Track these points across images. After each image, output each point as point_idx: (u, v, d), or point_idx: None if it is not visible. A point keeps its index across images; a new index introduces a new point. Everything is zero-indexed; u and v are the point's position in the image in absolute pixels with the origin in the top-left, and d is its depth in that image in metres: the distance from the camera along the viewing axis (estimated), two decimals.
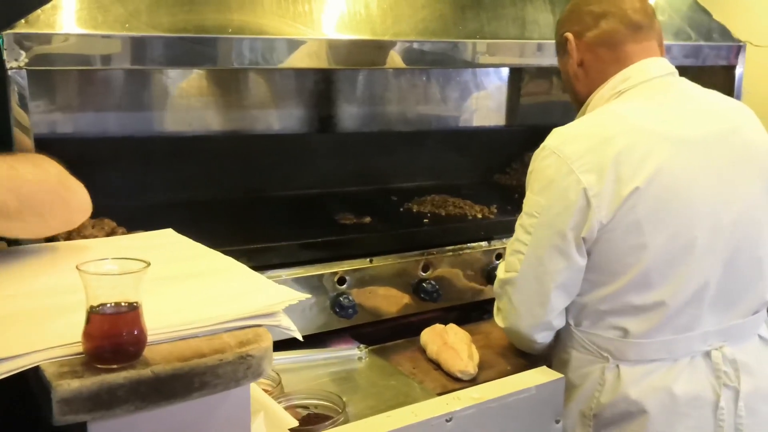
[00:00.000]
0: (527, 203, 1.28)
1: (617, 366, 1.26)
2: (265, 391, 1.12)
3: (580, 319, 1.30)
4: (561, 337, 1.35)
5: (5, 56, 1.26)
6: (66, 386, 0.62)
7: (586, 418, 1.29)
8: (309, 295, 0.86)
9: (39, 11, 1.30)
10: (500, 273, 1.35)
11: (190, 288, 0.85)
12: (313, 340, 1.60)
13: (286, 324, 0.81)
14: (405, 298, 1.75)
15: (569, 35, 1.37)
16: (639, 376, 1.24)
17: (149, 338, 0.72)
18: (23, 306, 0.79)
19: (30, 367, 0.65)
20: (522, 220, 1.29)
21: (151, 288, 0.85)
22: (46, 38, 1.30)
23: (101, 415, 0.65)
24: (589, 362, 1.29)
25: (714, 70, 2.26)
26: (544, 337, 1.31)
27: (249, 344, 0.73)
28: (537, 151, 1.29)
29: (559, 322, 1.29)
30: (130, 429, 0.71)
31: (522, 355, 1.59)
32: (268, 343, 0.75)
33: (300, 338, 0.83)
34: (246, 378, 0.73)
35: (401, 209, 2.05)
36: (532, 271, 1.25)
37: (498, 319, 1.38)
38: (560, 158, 1.22)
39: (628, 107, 1.29)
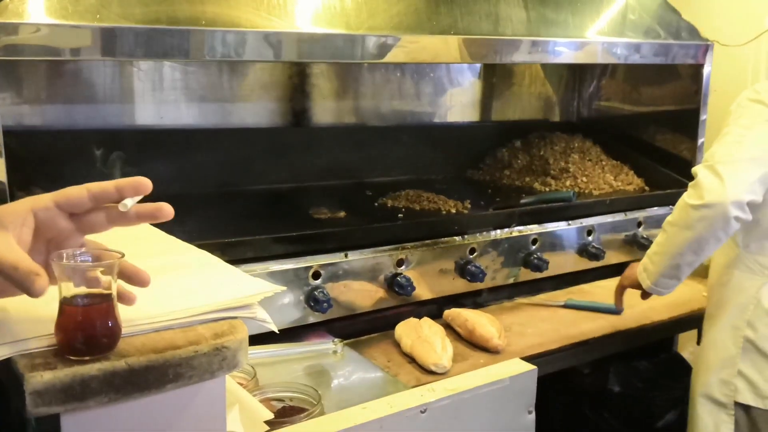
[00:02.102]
0: (743, 114, 1.50)
1: None
2: (240, 384, 1.12)
3: (748, 241, 1.57)
4: (726, 261, 1.62)
5: None
6: (39, 378, 0.61)
7: (738, 329, 1.53)
8: (284, 288, 0.86)
9: (7, 0, 1.28)
10: (709, 161, 1.47)
11: (164, 280, 0.85)
12: (287, 334, 1.60)
13: (262, 316, 0.81)
14: (379, 292, 1.75)
15: None
16: None
17: (123, 330, 0.71)
18: None
19: (1, 359, 0.64)
20: (738, 124, 1.49)
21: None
22: (15, 28, 1.27)
23: (74, 407, 0.64)
24: (747, 279, 1.55)
25: (682, 68, 2.31)
26: (737, 220, 1.43)
27: (224, 336, 0.73)
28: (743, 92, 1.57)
29: (746, 216, 1.43)
30: (103, 421, 0.70)
31: (494, 348, 1.61)
32: (244, 334, 0.75)
33: (276, 330, 0.82)
34: (221, 370, 0.73)
35: (376, 204, 2.05)
36: (748, 153, 1.43)
37: (701, 193, 1.44)
38: None
39: None
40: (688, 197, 1.47)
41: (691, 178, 2.31)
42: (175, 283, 0.84)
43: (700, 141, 2.32)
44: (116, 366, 0.65)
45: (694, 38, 2.24)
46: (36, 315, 0.71)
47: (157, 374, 0.68)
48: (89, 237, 0.77)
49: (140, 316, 0.74)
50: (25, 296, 0.77)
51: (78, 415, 0.68)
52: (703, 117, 2.31)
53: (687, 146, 2.34)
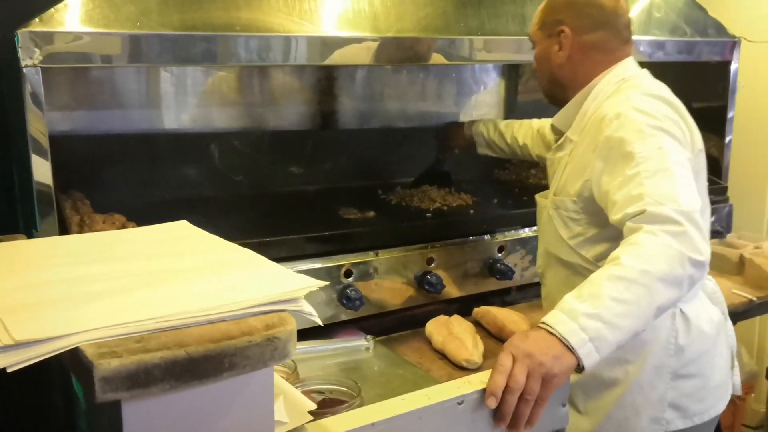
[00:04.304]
0: (666, 142, 1.28)
1: (680, 310, 1.44)
2: (282, 377, 1.15)
3: None
4: None
5: (20, 54, 1.29)
6: (107, 365, 0.65)
7: (663, 367, 1.43)
8: (327, 282, 0.90)
9: (53, 10, 1.33)
10: (678, 206, 1.19)
11: (214, 276, 0.88)
12: (320, 331, 1.63)
13: (308, 310, 0.84)
14: (409, 290, 1.78)
15: (567, 30, 1.46)
16: (701, 310, 1.47)
17: (180, 322, 0.75)
18: (55, 292, 0.82)
19: (72, 347, 0.68)
20: (676, 156, 1.27)
21: (177, 276, 0.89)
22: (60, 36, 1.32)
23: (138, 394, 0.68)
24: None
25: (709, 65, 2.30)
26: None
27: (275, 327, 0.77)
28: (627, 113, 1.33)
29: None
30: (161, 409, 0.74)
31: None
32: (293, 326, 0.78)
33: (320, 323, 0.86)
34: (273, 359, 0.76)
35: (403, 204, 2.08)
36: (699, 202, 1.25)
37: (698, 247, 1.17)
38: (668, 104, 1.38)
39: (659, 84, 1.46)
40: (685, 248, 1.14)
41: (717, 173, 2.35)
42: (224, 279, 0.88)
43: (727, 138, 2.32)
44: (177, 355, 0.69)
45: (721, 35, 2.24)
46: (98, 307, 0.75)
47: (214, 363, 0.71)
48: (131, 234, 0.80)
49: (195, 308, 0.77)
50: (84, 291, 0.82)
51: (137, 402, 0.71)
52: (730, 114, 2.31)
53: (714, 143, 2.34)
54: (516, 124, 1.98)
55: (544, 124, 1.87)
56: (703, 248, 1.17)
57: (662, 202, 1.19)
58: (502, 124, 2.01)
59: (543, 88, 1.59)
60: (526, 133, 1.94)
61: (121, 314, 0.74)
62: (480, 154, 2.08)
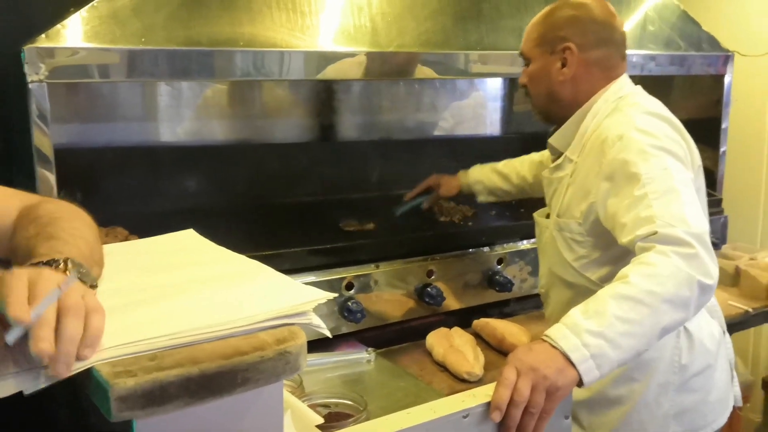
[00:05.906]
0: (670, 162, 1.30)
1: (684, 327, 1.44)
2: (287, 391, 1.16)
3: None
4: None
5: (27, 69, 1.30)
6: (122, 384, 0.66)
7: (668, 384, 1.44)
8: (336, 294, 0.91)
9: (59, 26, 1.34)
10: (688, 228, 1.19)
11: (222, 288, 0.89)
12: (321, 344, 1.64)
13: (317, 322, 0.85)
14: (410, 303, 1.79)
15: (573, 46, 1.44)
16: (702, 326, 1.48)
17: (191, 338, 0.75)
18: None
19: (87, 367, 0.68)
20: (681, 175, 1.29)
21: (185, 289, 0.89)
22: (66, 52, 1.34)
23: (154, 411, 0.69)
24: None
25: (703, 78, 2.33)
26: None
27: (286, 341, 0.77)
28: (629, 134, 1.34)
29: None
30: (173, 424, 0.75)
31: None
32: (303, 340, 0.79)
33: (329, 335, 0.87)
34: (284, 373, 0.77)
35: (402, 215, 2.09)
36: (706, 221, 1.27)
37: (707, 270, 1.17)
38: (667, 123, 1.40)
39: (656, 102, 1.47)
40: (695, 272, 1.14)
41: (712, 185, 2.37)
42: (232, 291, 0.88)
43: (722, 150, 2.35)
44: (191, 372, 0.70)
45: (715, 49, 2.28)
46: (112, 325, 0.75)
47: (228, 379, 0.72)
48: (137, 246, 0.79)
49: (206, 324, 0.78)
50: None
51: (151, 420, 0.72)
52: (724, 126, 2.34)
53: (709, 155, 2.36)
54: (516, 162, 1.90)
55: (543, 154, 1.80)
56: (713, 271, 1.18)
57: (673, 224, 1.19)
58: (500, 165, 1.93)
59: (537, 106, 1.55)
60: (530, 168, 1.87)
61: (133, 331, 0.74)
62: (481, 202, 1.99)
